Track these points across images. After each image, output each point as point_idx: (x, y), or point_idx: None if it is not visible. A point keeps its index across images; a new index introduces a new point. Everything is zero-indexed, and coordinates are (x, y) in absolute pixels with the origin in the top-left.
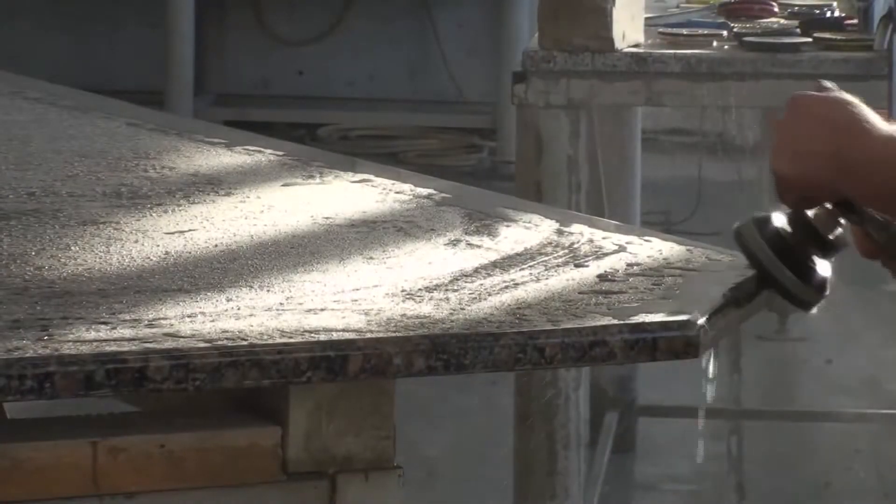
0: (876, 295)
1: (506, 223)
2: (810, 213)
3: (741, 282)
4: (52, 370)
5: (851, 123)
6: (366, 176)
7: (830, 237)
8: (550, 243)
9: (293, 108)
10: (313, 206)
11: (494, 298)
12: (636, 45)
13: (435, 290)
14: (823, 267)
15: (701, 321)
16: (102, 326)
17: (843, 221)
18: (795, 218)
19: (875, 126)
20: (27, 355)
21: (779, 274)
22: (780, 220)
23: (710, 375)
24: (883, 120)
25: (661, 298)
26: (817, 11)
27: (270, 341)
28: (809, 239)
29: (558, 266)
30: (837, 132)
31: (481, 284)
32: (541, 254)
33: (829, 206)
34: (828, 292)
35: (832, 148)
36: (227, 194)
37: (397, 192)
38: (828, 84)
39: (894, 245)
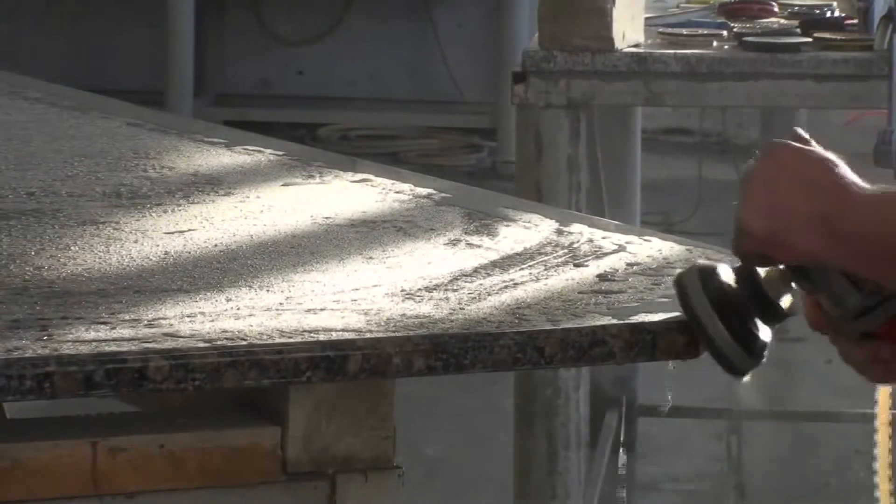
0: None
1: (506, 223)
2: (761, 272)
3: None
4: (52, 370)
5: (837, 185)
6: (366, 176)
7: (779, 302)
8: (550, 243)
9: (293, 108)
10: (313, 206)
11: (494, 298)
12: (636, 45)
13: (434, 289)
14: (764, 332)
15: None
16: (102, 326)
17: (793, 287)
18: (745, 275)
19: (860, 187)
20: (27, 355)
21: (714, 333)
22: (726, 273)
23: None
24: (860, 179)
25: (661, 298)
26: (817, 11)
27: (270, 341)
28: (755, 300)
29: (558, 266)
30: (823, 193)
31: (481, 284)
32: (540, 253)
33: (782, 268)
34: (763, 360)
35: (817, 209)
36: (227, 194)
37: (397, 192)
38: (804, 134)
39: (846, 321)
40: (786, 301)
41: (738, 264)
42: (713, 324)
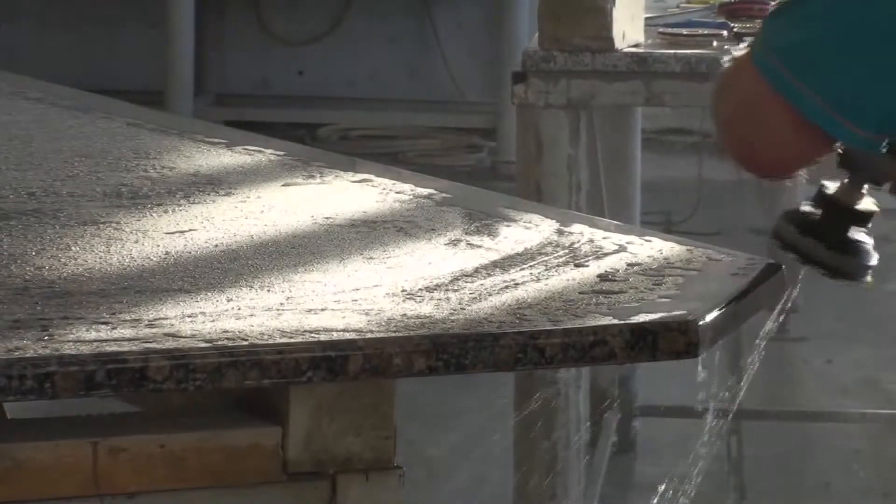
0: (876, 295)
1: (506, 223)
2: (830, 188)
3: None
4: (53, 370)
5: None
6: (366, 176)
7: (858, 206)
8: (550, 243)
9: (293, 108)
10: (313, 206)
11: (495, 298)
12: (636, 45)
13: (435, 289)
14: (861, 237)
15: (701, 321)
16: (103, 326)
17: (863, 188)
18: (818, 198)
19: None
20: (27, 355)
21: (815, 252)
22: (807, 207)
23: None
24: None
25: (662, 298)
26: None
27: (271, 341)
28: (838, 214)
29: (558, 266)
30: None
31: (481, 284)
32: (541, 254)
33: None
34: (873, 260)
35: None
36: (228, 194)
37: (397, 192)
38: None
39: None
40: (863, 203)
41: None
42: (814, 247)
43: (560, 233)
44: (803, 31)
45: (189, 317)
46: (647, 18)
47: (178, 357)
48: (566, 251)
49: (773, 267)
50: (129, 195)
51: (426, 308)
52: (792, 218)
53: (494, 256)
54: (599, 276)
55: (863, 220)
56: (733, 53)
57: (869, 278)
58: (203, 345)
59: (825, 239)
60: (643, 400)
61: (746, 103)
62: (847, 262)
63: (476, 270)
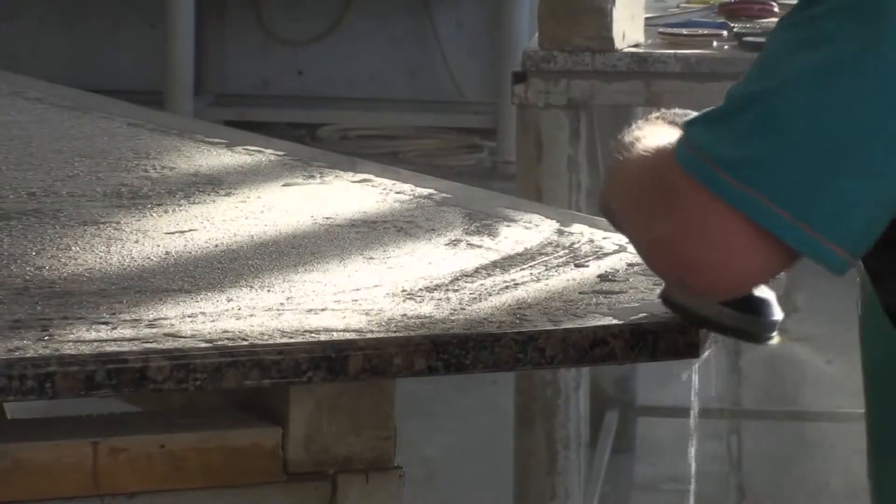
0: None
1: (506, 223)
2: None
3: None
4: (53, 370)
5: None
6: (366, 176)
7: None
8: (551, 243)
9: (293, 108)
10: (314, 207)
11: (495, 298)
12: (636, 45)
13: (435, 290)
14: (763, 292)
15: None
16: (103, 326)
17: None
18: None
19: None
20: (28, 355)
21: (717, 315)
22: None
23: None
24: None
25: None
26: None
27: (271, 341)
28: None
29: (559, 266)
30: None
31: (482, 284)
32: (541, 254)
33: None
34: (778, 316)
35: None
36: (228, 194)
37: (398, 192)
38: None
39: None
40: None
41: None
42: (714, 309)
43: (560, 233)
44: (757, 146)
45: (189, 317)
46: (647, 18)
47: (178, 357)
48: (566, 251)
49: None
50: (129, 195)
51: (426, 308)
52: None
53: (494, 256)
54: (600, 276)
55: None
56: (627, 141)
57: (775, 337)
58: (203, 345)
59: (727, 301)
60: (643, 400)
61: (693, 221)
62: (752, 323)
63: (476, 270)
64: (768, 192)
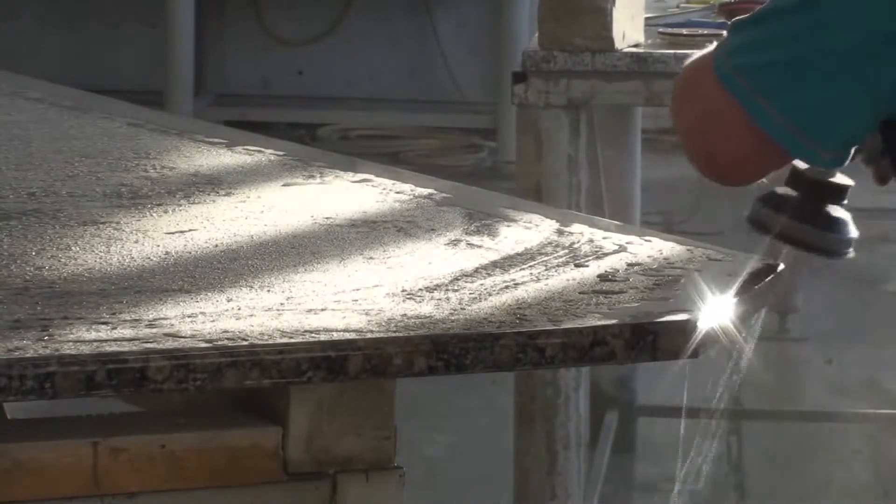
0: (876, 295)
1: (506, 223)
2: (804, 167)
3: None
4: (53, 370)
5: None
6: (366, 176)
7: (833, 181)
8: (551, 243)
9: (293, 108)
10: (314, 207)
11: (495, 298)
12: (636, 45)
13: (435, 290)
14: (840, 212)
15: (701, 321)
16: (103, 326)
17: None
18: (792, 178)
19: None
20: (28, 355)
21: (799, 232)
22: (780, 189)
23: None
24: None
25: (662, 298)
26: None
27: (271, 341)
28: (816, 191)
29: (558, 266)
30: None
31: (482, 284)
32: (541, 254)
33: None
34: (854, 234)
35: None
36: (228, 194)
37: (397, 192)
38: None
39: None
40: (837, 178)
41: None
42: (796, 227)
43: (560, 233)
44: (769, 53)
45: (189, 317)
46: (647, 18)
47: (178, 357)
48: (566, 251)
49: (772, 267)
50: (129, 195)
51: (426, 308)
52: (768, 200)
53: (494, 256)
54: (599, 276)
55: (840, 194)
56: (693, 56)
57: (851, 252)
58: (203, 345)
59: (807, 218)
60: (643, 400)
61: (709, 114)
62: (831, 240)
63: (476, 270)
64: (772, 100)
